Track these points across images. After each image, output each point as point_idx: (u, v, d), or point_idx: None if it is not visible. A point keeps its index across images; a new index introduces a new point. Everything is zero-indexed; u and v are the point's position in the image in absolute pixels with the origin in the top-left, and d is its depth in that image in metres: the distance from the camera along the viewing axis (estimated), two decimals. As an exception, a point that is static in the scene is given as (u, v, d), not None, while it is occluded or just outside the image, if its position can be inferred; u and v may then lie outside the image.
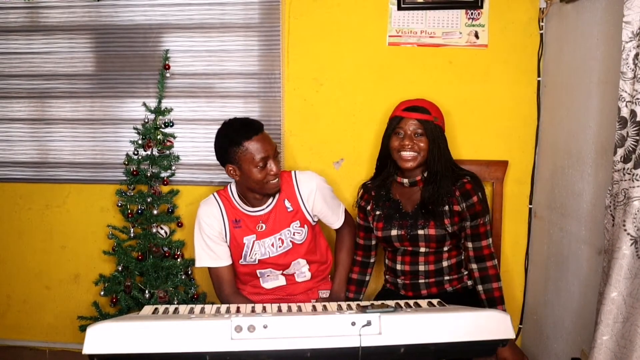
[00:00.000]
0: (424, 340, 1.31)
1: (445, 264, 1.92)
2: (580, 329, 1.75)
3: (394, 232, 1.91)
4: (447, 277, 1.93)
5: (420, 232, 1.87)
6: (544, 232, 2.11)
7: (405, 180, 1.92)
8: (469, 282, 1.96)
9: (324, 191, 1.95)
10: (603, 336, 1.30)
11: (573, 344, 1.80)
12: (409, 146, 1.85)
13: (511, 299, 2.28)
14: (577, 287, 1.79)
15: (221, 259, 1.92)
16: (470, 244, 1.90)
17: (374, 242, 2.07)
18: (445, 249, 1.91)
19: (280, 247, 1.92)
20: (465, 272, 1.96)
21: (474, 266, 1.89)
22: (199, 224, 1.92)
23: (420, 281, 1.93)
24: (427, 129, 1.85)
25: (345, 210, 2.05)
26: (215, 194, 1.96)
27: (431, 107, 1.89)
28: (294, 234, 1.92)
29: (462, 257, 1.96)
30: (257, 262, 1.93)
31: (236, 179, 1.84)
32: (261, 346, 1.28)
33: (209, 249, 1.91)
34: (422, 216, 1.88)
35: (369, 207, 1.99)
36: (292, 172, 1.95)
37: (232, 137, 1.78)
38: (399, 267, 1.95)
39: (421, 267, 1.92)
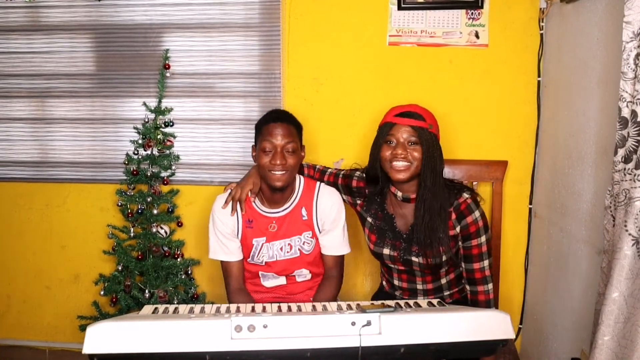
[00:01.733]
0: (424, 340, 1.31)
1: (443, 281, 1.86)
2: (580, 329, 1.75)
3: (386, 251, 1.82)
4: (447, 292, 1.88)
5: (415, 259, 1.77)
6: (544, 232, 2.11)
7: (399, 194, 1.76)
8: None
9: (340, 214, 1.92)
10: (604, 336, 1.30)
11: (573, 344, 1.80)
12: (402, 155, 1.68)
13: (511, 299, 2.29)
14: (577, 287, 1.79)
15: (233, 254, 1.92)
16: (463, 265, 1.78)
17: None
18: (443, 270, 1.81)
19: (288, 252, 1.92)
20: None
21: (467, 287, 1.79)
22: (213, 218, 1.92)
23: (420, 298, 1.87)
24: (421, 136, 1.68)
25: (343, 258, 1.97)
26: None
27: (426, 113, 1.73)
28: (303, 243, 1.93)
29: (461, 268, 1.88)
30: (264, 263, 1.94)
31: (255, 162, 1.89)
32: (261, 346, 1.28)
33: (222, 243, 1.92)
34: (417, 243, 1.75)
35: (359, 202, 1.89)
36: (317, 184, 1.95)
37: (260, 120, 1.88)
38: (396, 282, 1.91)
39: (419, 286, 1.87)
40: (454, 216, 1.72)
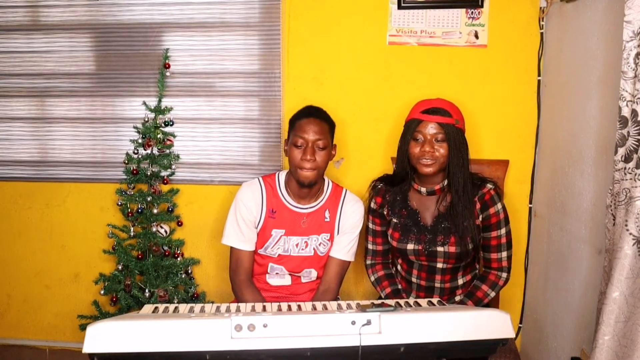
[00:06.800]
0: (424, 340, 1.31)
1: (460, 281, 1.86)
2: (580, 329, 1.75)
3: (410, 246, 1.80)
4: (458, 297, 1.87)
5: (440, 249, 1.77)
6: (544, 232, 2.11)
7: (423, 189, 1.80)
8: None
9: (360, 222, 1.96)
10: (605, 336, 1.30)
11: (573, 343, 1.80)
12: (430, 153, 1.72)
13: (511, 298, 2.29)
14: (577, 287, 1.79)
15: (247, 242, 1.93)
16: (481, 252, 1.84)
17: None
18: (463, 263, 1.82)
19: (303, 249, 1.93)
20: None
21: (483, 269, 1.85)
22: (237, 204, 1.93)
23: (436, 298, 1.85)
24: (448, 133, 1.71)
25: (346, 270, 1.99)
26: (261, 178, 1.97)
27: (452, 108, 1.76)
28: (319, 244, 1.94)
29: (477, 271, 1.92)
30: (277, 256, 1.95)
31: (286, 155, 1.90)
32: (261, 345, 1.28)
33: (240, 230, 1.92)
34: (442, 231, 1.77)
35: (385, 212, 1.88)
36: (344, 189, 1.98)
37: (294, 115, 1.92)
38: (414, 280, 1.88)
39: (437, 284, 1.85)
40: (478, 205, 1.77)
